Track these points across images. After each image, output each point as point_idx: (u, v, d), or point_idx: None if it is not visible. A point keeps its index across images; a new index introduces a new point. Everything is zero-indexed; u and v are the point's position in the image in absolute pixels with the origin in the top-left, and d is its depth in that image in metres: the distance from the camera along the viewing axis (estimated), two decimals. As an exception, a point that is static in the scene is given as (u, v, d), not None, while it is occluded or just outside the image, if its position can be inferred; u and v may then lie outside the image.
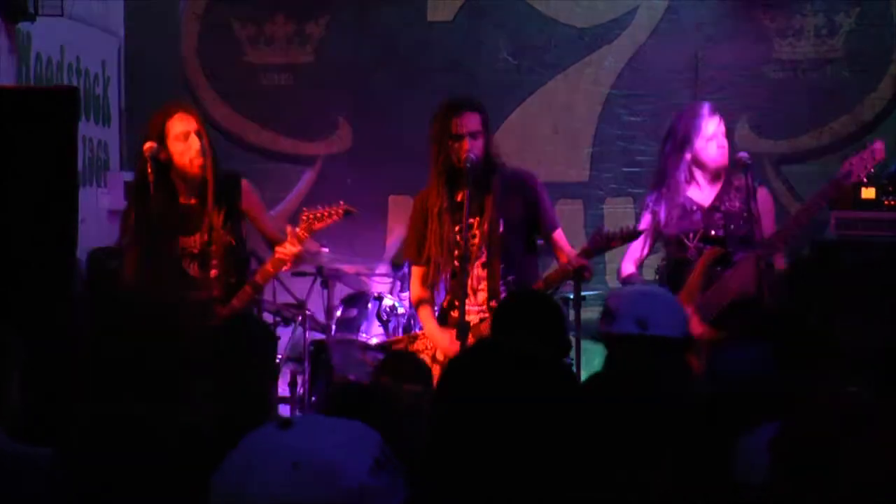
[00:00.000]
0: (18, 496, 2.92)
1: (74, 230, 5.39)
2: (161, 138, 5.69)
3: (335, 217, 5.76)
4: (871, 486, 1.90)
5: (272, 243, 5.89)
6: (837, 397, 2.06)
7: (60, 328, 5.13)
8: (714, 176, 5.99)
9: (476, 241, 5.81)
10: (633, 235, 5.74)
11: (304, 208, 5.82)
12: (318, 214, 5.74)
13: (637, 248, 6.10)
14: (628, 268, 6.13)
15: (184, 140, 5.71)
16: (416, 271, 6.06)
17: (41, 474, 2.87)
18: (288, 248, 5.70)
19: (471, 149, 5.68)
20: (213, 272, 5.76)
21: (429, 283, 5.98)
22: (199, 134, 5.76)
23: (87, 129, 7.70)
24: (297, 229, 5.72)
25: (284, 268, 5.83)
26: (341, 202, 5.78)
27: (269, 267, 5.81)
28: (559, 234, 5.97)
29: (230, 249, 5.81)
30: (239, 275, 5.87)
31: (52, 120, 5.34)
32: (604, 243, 5.69)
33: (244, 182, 5.95)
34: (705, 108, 6.04)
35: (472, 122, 5.74)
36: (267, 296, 7.70)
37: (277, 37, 8.72)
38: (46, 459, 2.91)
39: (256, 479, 1.98)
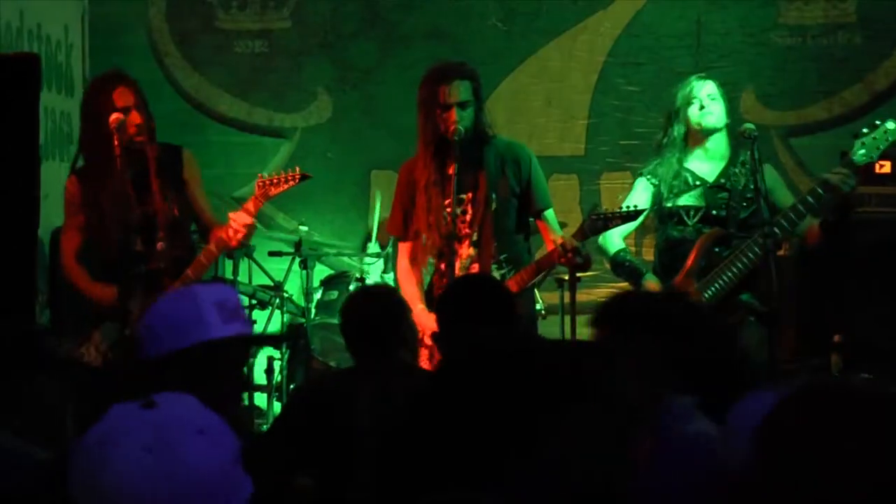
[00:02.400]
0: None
1: (36, 207, 5.34)
2: (101, 113, 5.66)
3: (291, 182, 5.74)
4: (870, 485, 1.87)
5: (203, 222, 5.92)
6: (842, 384, 2.02)
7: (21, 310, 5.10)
8: (714, 148, 5.96)
9: (467, 217, 5.77)
10: (634, 215, 5.70)
11: (259, 174, 5.79)
12: (275, 180, 5.72)
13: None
14: (616, 242, 6.08)
15: (125, 115, 5.67)
16: (403, 247, 6.01)
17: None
18: (241, 219, 5.67)
19: (460, 119, 5.63)
20: (159, 245, 5.74)
21: (416, 260, 5.93)
22: (138, 107, 5.75)
23: (48, 100, 7.62)
24: (252, 197, 5.71)
25: (233, 243, 5.78)
26: (297, 167, 5.74)
27: (212, 247, 5.79)
28: (550, 215, 5.93)
29: (175, 221, 5.81)
30: (185, 247, 5.91)
31: (11, 90, 5.30)
32: (602, 224, 5.65)
33: (186, 152, 5.94)
34: (693, 77, 6.07)
35: (462, 90, 5.68)
36: (242, 277, 7.68)
37: (252, 1, 8.66)
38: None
39: (108, 454, 2.01)
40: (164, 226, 5.75)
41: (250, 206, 5.67)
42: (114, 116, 5.62)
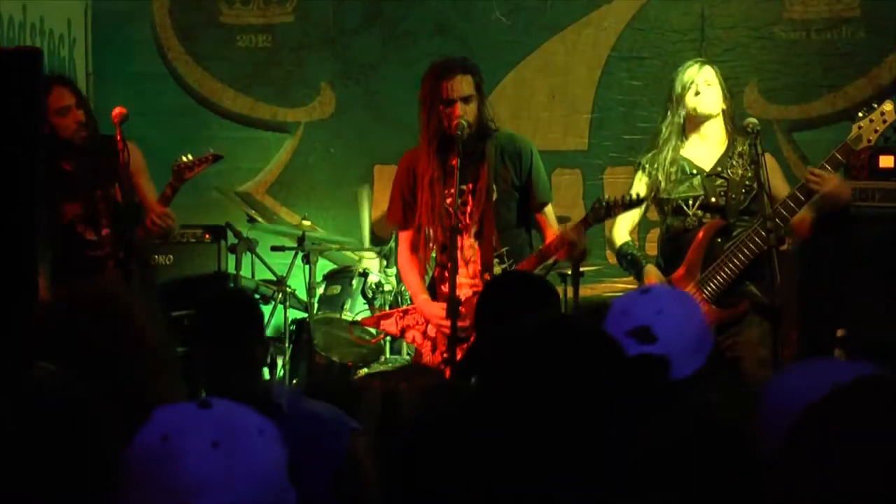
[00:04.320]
0: None
1: (39, 202, 5.34)
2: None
3: (205, 164, 6.18)
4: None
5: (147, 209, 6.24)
6: (873, 381, 2.01)
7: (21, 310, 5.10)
8: (710, 135, 5.96)
9: (468, 209, 5.78)
10: (635, 203, 5.71)
11: (176, 159, 6.16)
12: (189, 164, 6.12)
13: (631, 213, 6.08)
14: (621, 236, 6.10)
15: (65, 115, 6.07)
16: (404, 236, 6.02)
17: None
18: (157, 209, 6.10)
19: (463, 114, 5.64)
20: (105, 231, 6.16)
21: (418, 247, 5.95)
22: (78, 105, 6.14)
23: (51, 95, 7.63)
24: (168, 184, 6.13)
25: (154, 230, 6.12)
26: (210, 150, 6.24)
27: (141, 232, 6.12)
28: (549, 210, 5.95)
29: (117, 207, 6.15)
30: (131, 230, 6.16)
31: (13, 84, 5.28)
32: (604, 213, 5.67)
33: (129, 142, 6.10)
34: (690, 61, 6.07)
35: (464, 85, 5.69)
36: (245, 272, 7.69)
37: (255, -5, 8.68)
38: None
39: (177, 448, 2.00)
40: (107, 213, 6.16)
41: (167, 191, 6.12)
42: (117, 110, 5.88)
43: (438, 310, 5.74)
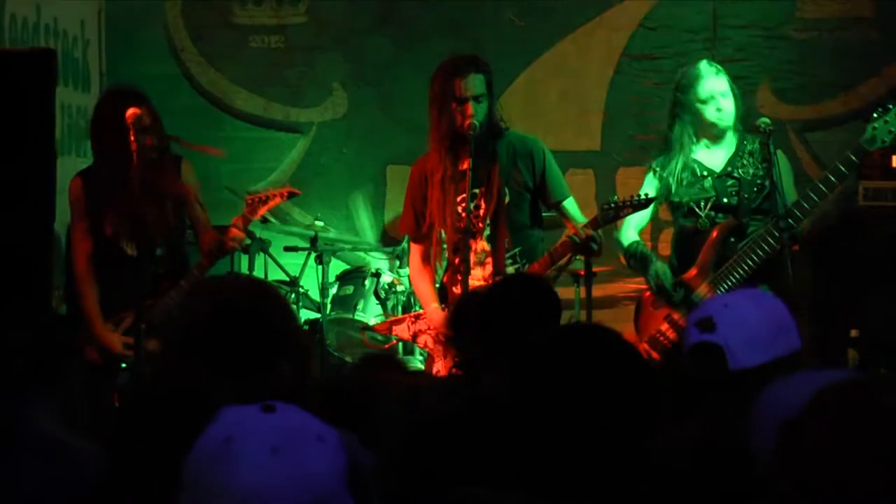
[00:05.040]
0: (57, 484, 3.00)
1: (52, 202, 5.37)
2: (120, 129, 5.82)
3: (279, 199, 6.17)
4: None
5: (199, 231, 6.29)
6: (870, 385, 2.01)
7: (38, 304, 5.13)
8: (722, 138, 5.97)
9: (480, 212, 5.79)
10: (644, 204, 5.72)
11: (248, 191, 6.23)
12: (263, 197, 6.10)
13: (640, 215, 6.09)
14: (630, 235, 6.11)
15: (142, 136, 5.89)
16: (415, 247, 6.04)
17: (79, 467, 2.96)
18: (233, 233, 6.07)
19: (475, 113, 5.65)
20: (155, 250, 6.07)
21: (429, 257, 5.96)
22: (154, 128, 6.05)
23: (65, 96, 7.66)
24: (243, 213, 6.12)
25: (226, 247, 6.13)
26: (287, 184, 6.26)
27: (205, 261, 6.15)
28: (570, 204, 5.95)
29: (170, 229, 6.15)
30: (179, 252, 6.28)
31: (28, 85, 5.31)
32: (614, 213, 5.68)
33: (184, 162, 6.24)
34: (703, 66, 6.04)
35: (477, 84, 5.70)
36: (258, 272, 7.70)
37: (268, -4, 8.69)
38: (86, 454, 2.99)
39: (237, 452, 1.99)
40: (161, 233, 6.07)
41: (239, 222, 6.12)
42: (131, 111, 5.75)
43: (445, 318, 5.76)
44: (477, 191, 5.75)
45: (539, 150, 5.91)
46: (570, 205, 5.95)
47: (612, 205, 5.67)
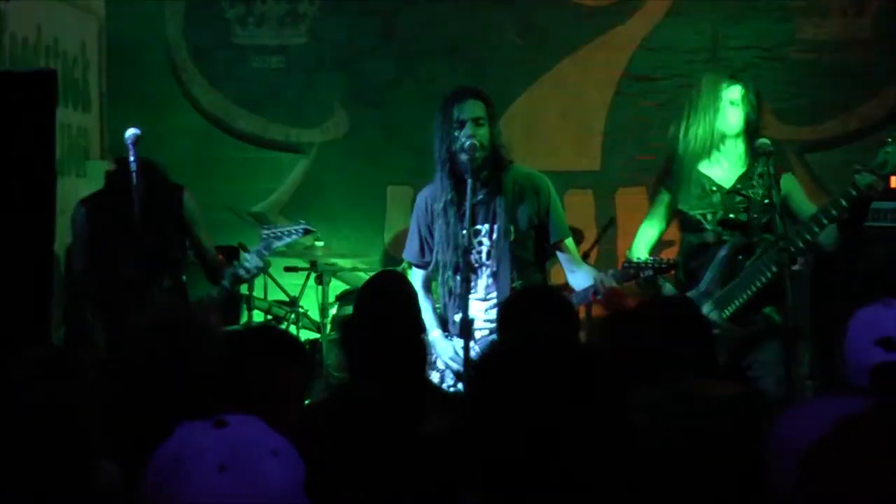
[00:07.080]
0: None
1: (52, 222, 5.38)
2: None
3: (294, 236, 6.12)
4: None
5: (205, 261, 6.24)
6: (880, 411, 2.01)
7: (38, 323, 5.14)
8: (731, 153, 5.96)
9: (484, 249, 5.79)
10: (666, 269, 5.70)
11: (264, 226, 6.21)
12: (278, 233, 6.06)
13: (650, 230, 6.08)
14: (640, 252, 6.09)
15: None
16: (417, 273, 6.04)
17: None
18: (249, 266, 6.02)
19: (475, 135, 5.66)
20: (155, 278, 5.97)
21: (429, 287, 5.99)
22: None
23: (65, 116, 7.67)
24: (258, 248, 6.05)
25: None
26: (301, 221, 6.16)
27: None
28: (570, 244, 5.95)
29: (175, 258, 6.10)
30: (178, 280, 6.15)
31: (28, 105, 5.34)
32: (633, 272, 5.67)
33: (185, 193, 6.17)
34: (723, 81, 6.03)
35: (474, 108, 5.71)
36: (257, 293, 7.71)
37: (269, 16, 8.71)
38: None
39: (185, 471, 2.02)
40: (168, 262, 6.03)
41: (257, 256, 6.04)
42: (130, 131, 5.73)
43: (450, 349, 5.76)
44: (481, 227, 5.76)
45: (545, 187, 5.88)
46: (570, 244, 5.95)
47: (633, 265, 5.67)
